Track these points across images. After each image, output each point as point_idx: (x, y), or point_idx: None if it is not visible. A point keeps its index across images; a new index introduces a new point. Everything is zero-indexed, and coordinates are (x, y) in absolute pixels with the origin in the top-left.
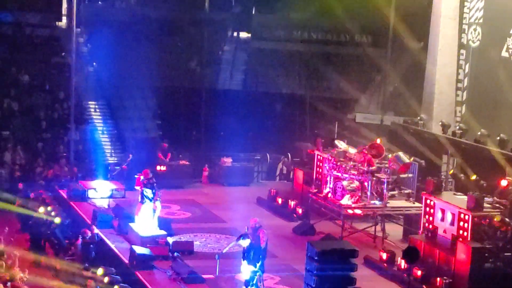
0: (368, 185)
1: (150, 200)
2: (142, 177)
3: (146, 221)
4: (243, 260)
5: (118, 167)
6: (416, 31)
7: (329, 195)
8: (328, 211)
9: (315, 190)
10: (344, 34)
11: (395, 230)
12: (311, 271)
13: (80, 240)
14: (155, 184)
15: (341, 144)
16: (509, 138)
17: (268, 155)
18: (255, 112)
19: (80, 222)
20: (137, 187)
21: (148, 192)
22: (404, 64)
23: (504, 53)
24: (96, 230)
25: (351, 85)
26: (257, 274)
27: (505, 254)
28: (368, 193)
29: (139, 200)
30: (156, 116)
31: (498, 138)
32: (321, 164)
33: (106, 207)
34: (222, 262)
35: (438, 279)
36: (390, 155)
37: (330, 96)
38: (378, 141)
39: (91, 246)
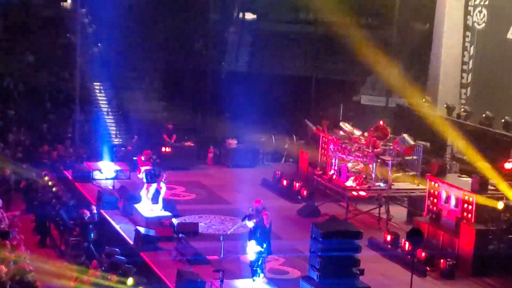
0: (372, 167)
1: (153, 182)
2: (142, 158)
3: (151, 202)
4: (249, 241)
5: (123, 148)
6: (422, 13)
7: (334, 177)
8: (332, 193)
9: (320, 172)
10: (350, 16)
11: (399, 212)
12: (316, 253)
13: None
14: (158, 166)
15: (346, 126)
16: None
17: (273, 137)
18: (260, 94)
19: (85, 203)
20: (143, 168)
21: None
22: (409, 46)
23: (510, 35)
24: (95, 211)
25: (356, 67)
26: (263, 255)
27: (509, 236)
28: (373, 175)
29: (145, 180)
30: (161, 98)
31: (503, 120)
32: (326, 146)
33: (111, 188)
34: (227, 244)
35: (442, 260)
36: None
37: (335, 78)
38: (381, 122)
39: (90, 226)
